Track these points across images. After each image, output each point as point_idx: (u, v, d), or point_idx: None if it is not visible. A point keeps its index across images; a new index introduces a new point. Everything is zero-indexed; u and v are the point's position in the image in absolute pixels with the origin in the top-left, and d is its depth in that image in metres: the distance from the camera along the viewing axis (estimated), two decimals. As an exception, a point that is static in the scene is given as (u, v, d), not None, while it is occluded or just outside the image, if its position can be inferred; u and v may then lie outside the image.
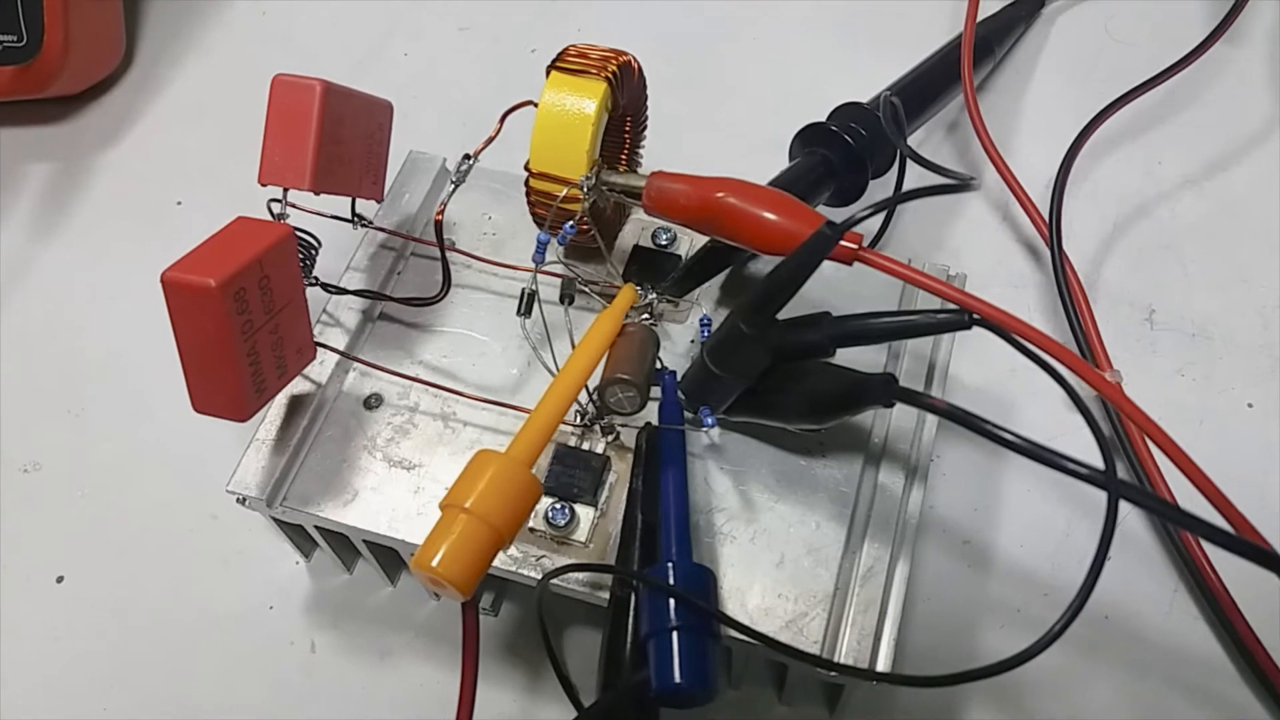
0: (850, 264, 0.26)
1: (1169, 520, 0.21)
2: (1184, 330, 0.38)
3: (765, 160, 0.35)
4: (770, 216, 0.26)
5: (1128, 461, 0.34)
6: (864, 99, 0.37)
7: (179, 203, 0.42)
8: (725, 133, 0.43)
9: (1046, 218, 0.39)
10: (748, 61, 0.46)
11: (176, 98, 0.46)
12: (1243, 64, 0.45)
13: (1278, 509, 0.33)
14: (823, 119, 0.36)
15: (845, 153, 0.35)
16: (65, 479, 0.36)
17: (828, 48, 0.46)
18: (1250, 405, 0.36)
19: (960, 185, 0.26)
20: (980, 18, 0.42)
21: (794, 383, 0.26)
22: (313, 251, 0.30)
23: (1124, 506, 0.35)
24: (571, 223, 0.28)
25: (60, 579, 0.34)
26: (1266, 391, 0.37)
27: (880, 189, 0.36)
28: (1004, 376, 0.37)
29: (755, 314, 0.25)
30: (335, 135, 0.27)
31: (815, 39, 0.47)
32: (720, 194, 0.26)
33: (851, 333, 0.26)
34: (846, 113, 0.36)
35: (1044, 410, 0.36)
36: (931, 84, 0.40)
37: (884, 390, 0.25)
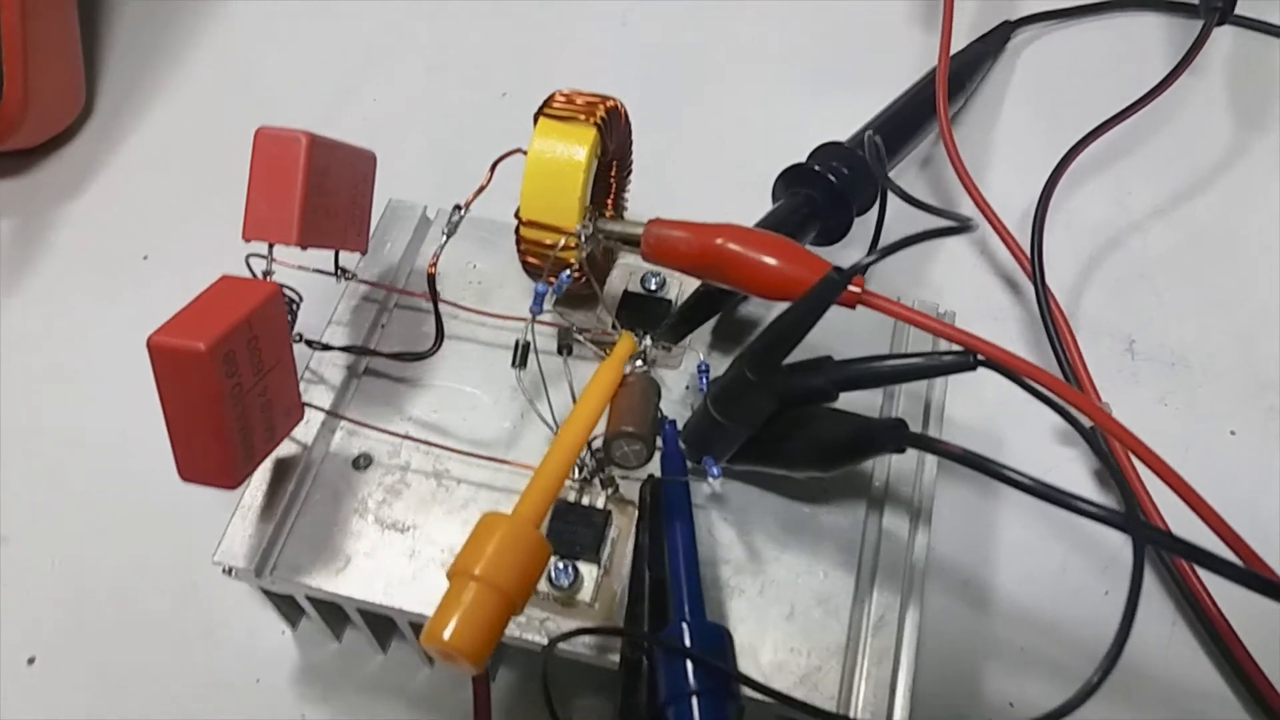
0: (854, 308, 0.25)
1: (1198, 563, 0.21)
2: (1164, 359, 0.38)
3: (745, 199, 0.35)
4: (772, 262, 0.26)
5: (1120, 494, 0.34)
6: (838, 137, 0.37)
7: (145, 257, 0.41)
8: (703, 173, 0.43)
9: (1025, 250, 0.39)
10: (722, 102, 0.46)
11: (140, 148, 0.44)
12: (1203, 93, 0.46)
13: (1268, 536, 0.33)
14: (800, 158, 0.36)
15: (828, 192, 0.35)
16: (35, 551, 0.34)
17: (799, 88, 0.46)
18: (1233, 432, 0.37)
19: (960, 228, 0.26)
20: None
21: (800, 429, 0.26)
22: (294, 307, 0.29)
23: (1117, 538, 0.35)
24: (568, 272, 0.27)
25: (31, 660, 0.32)
26: (1247, 418, 0.37)
27: (861, 225, 0.36)
28: (992, 412, 0.37)
29: (761, 361, 0.24)
30: (321, 188, 0.26)
31: (786, 80, 0.46)
32: (720, 240, 0.26)
33: (855, 377, 0.25)
34: (827, 152, 0.36)
35: (1034, 444, 0.36)
36: (908, 120, 0.40)
37: (894, 436, 0.24)
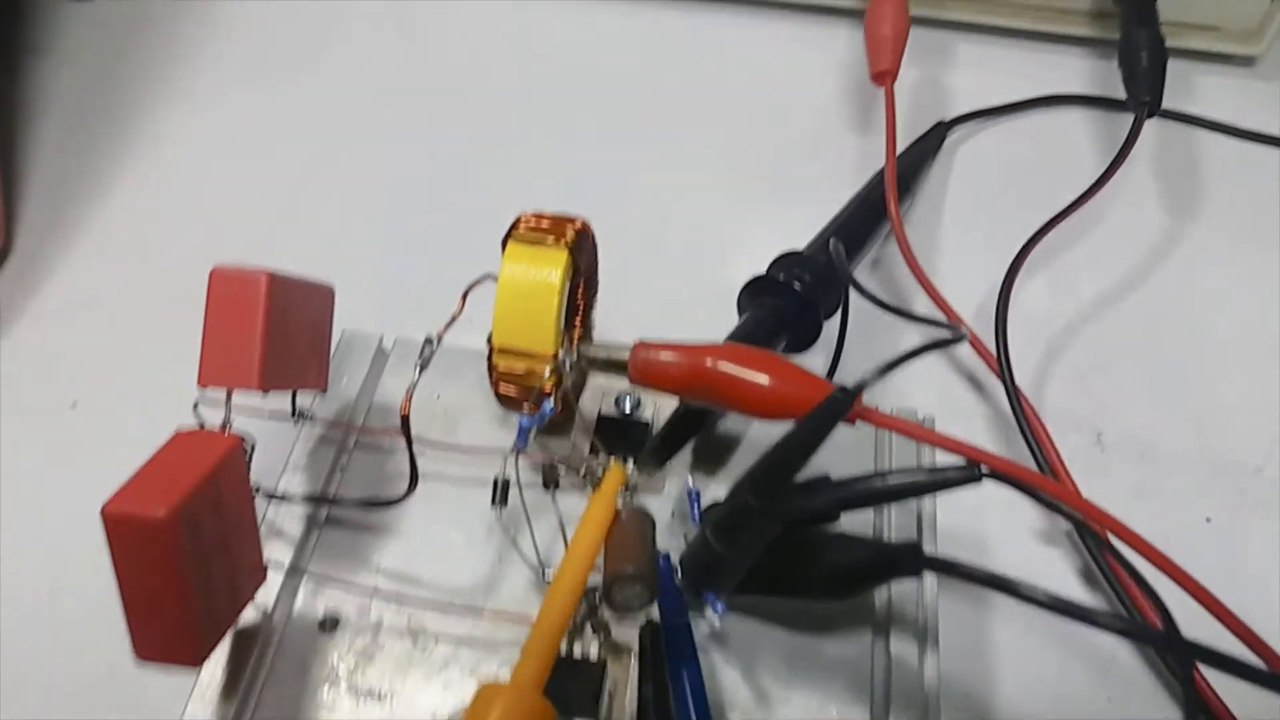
0: (853, 423, 0.24)
1: (1245, 679, 0.20)
2: (1132, 450, 0.38)
3: (703, 310, 0.35)
4: (765, 381, 0.25)
5: (1112, 590, 0.34)
6: (789, 243, 0.37)
7: (74, 404, 0.38)
8: (657, 288, 0.42)
9: (987, 347, 0.38)
10: (669, 215, 0.45)
11: (63, 288, 0.41)
12: (1134, 183, 0.46)
13: (1260, 624, 0.33)
14: (752, 265, 0.36)
15: (794, 300, 0.34)
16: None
17: (745, 197, 0.46)
18: (1208, 520, 0.36)
19: (951, 339, 0.25)
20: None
21: (809, 556, 0.25)
22: (249, 455, 0.26)
23: (1111, 639, 0.34)
24: (550, 402, 0.26)
25: None
26: (1219, 504, 0.37)
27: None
28: (971, 515, 0.36)
29: (766, 485, 0.23)
30: (282, 328, 0.24)
31: (731, 190, 0.46)
32: (711, 362, 0.25)
33: (857, 496, 0.24)
34: (788, 261, 0.36)
35: (1016, 544, 0.35)
36: (861, 224, 0.40)
37: (912, 561, 0.23)
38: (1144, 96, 0.43)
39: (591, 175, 0.46)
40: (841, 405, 0.22)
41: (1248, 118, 0.48)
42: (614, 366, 0.26)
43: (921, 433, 0.24)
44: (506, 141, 0.48)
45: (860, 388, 0.22)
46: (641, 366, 0.26)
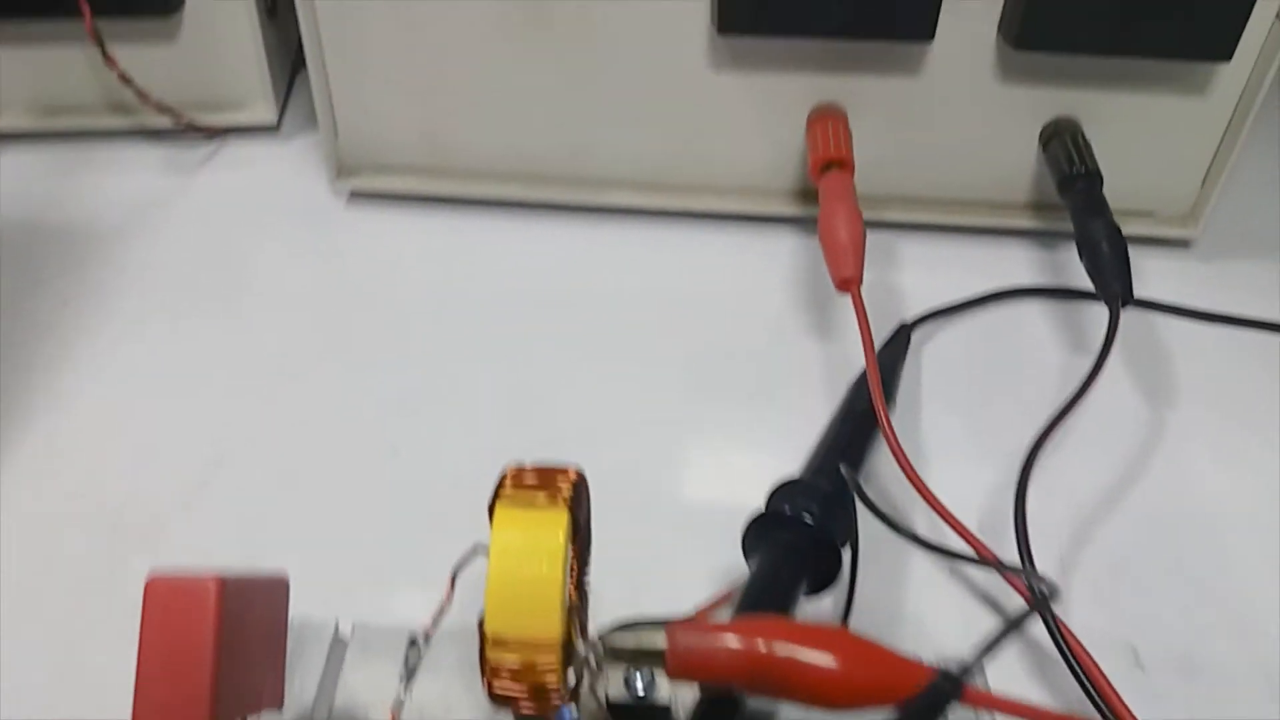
0: (948, 708, 0.20)
1: None
2: (1175, 668, 0.35)
3: (694, 548, 0.34)
4: (834, 664, 0.20)
5: None
6: (765, 462, 0.35)
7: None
8: (639, 529, 0.38)
9: (1005, 564, 0.35)
10: (628, 445, 0.41)
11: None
12: (1104, 372, 0.45)
13: None
14: (729, 490, 0.35)
15: (806, 534, 0.31)
16: None
17: (710, 416, 0.43)
18: (1278, 747, 0.33)
19: (1045, 598, 0.22)
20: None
21: None
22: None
23: None
24: (573, 710, 0.21)
25: None
26: (1276, 721, 0.33)
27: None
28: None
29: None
30: (234, 645, 0.19)
31: (693, 409, 0.43)
32: (765, 646, 0.21)
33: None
34: (788, 491, 0.33)
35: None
36: (854, 439, 0.37)
37: None
38: (1114, 287, 0.42)
39: (546, 406, 0.43)
40: (947, 694, 0.18)
41: (1191, 298, 0.48)
42: (647, 658, 0.22)
43: (1041, 714, 0.20)
44: (449, 373, 0.44)
45: (966, 671, 0.18)
46: (683, 658, 0.21)
